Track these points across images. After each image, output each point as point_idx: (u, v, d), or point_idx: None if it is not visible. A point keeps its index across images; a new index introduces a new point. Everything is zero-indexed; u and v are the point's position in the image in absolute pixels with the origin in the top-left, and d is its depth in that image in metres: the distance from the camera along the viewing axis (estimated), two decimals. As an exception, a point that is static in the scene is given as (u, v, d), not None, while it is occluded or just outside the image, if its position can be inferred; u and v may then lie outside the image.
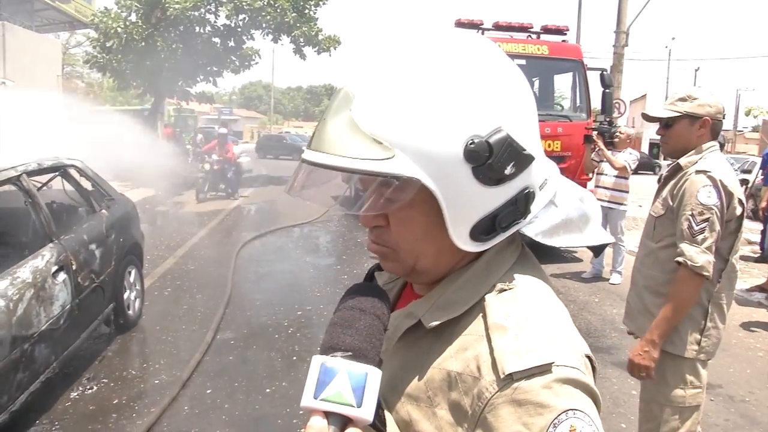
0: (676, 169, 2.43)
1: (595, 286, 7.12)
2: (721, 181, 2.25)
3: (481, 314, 0.76)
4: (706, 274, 2.21)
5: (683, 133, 2.40)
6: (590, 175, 8.18)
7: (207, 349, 4.77)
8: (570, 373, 0.69)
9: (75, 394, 4.01)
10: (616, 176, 6.99)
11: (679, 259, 2.25)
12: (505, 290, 0.78)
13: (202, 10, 17.88)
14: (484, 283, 0.79)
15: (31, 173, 4.13)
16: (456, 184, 0.72)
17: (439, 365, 0.76)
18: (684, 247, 2.24)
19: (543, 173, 0.82)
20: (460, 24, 8.46)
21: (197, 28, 18.25)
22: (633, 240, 9.37)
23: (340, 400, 0.64)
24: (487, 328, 0.74)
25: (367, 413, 0.65)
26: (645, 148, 41.99)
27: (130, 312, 5.20)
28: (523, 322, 0.73)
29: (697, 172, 2.29)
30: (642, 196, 15.00)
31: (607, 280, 7.27)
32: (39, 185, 4.57)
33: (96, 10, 17.71)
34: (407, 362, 0.81)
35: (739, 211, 2.29)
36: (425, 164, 0.70)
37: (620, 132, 7.31)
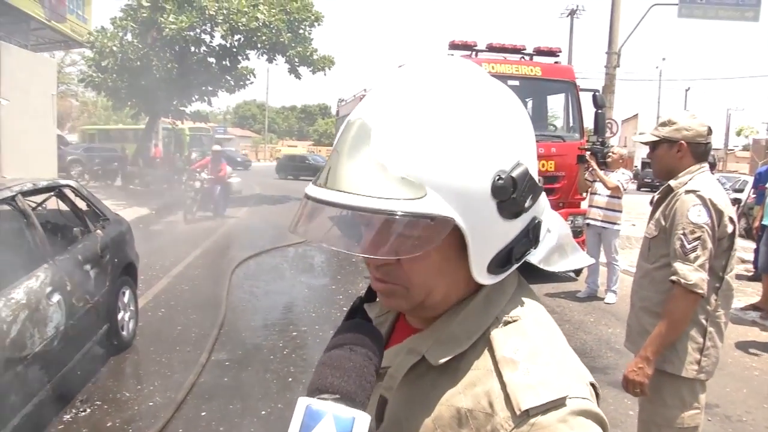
0: (668, 191, 2.48)
1: (590, 306, 7.13)
2: (710, 200, 2.29)
3: (486, 348, 0.75)
4: (700, 291, 2.24)
5: (664, 156, 2.49)
6: (584, 194, 8.23)
7: (201, 371, 4.73)
8: (582, 405, 0.69)
9: (68, 416, 3.96)
10: (609, 196, 7.04)
11: (673, 277, 2.28)
12: (510, 322, 0.77)
13: (198, 30, 17.99)
14: (486, 315, 0.78)
15: (26, 193, 4.13)
16: (481, 219, 0.71)
17: (447, 402, 0.75)
18: (677, 265, 2.28)
19: (544, 201, 0.82)
20: (454, 46, 8.55)
21: (192, 48, 18.35)
22: (627, 259, 9.42)
23: None
24: (496, 363, 0.73)
25: None
26: (638, 167, 42.27)
27: (124, 333, 5.16)
28: (533, 355, 0.72)
29: (687, 192, 2.35)
30: (635, 215, 15.08)
31: (602, 299, 7.28)
32: (34, 205, 4.56)
33: (92, 30, 17.78)
34: (411, 399, 0.79)
35: (730, 228, 2.33)
36: (455, 202, 0.69)
37: (613, 152, 7.38)
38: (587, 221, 7.41)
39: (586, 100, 8.71)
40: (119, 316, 5.05)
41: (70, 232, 4.80)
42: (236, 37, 18.51)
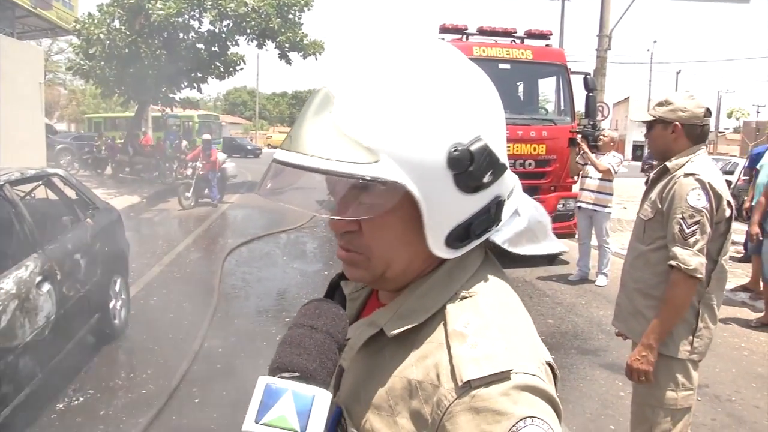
0: (663, 172, 2.46)
1: (582, 288, 7.17)
2: (709, 183, 2.28)
3: (442, 322, 0.76)
4: (699, 276, 2.24)
5: (658, 136, 2.48)
6: (575, 178, 8.24)
7: (194, 358, 4.73)
8: (528, 380, 0.68)
9: (61, 405, 3.95)
10: (601, 179, 7.06)
11: (672, 262, 2.27)
12: (466, 297, 0.77)
13: (186, 16, 17.78)
14: (446, 290, 0.79)
15: (14, 182, 4.09)
16: (437, 190, 0.72)
17: (400, 374, 0.75)
18: (676, 250, 2.26)
19: (510, 183, 0.82)
20: (444, 29, 8.50)
21: (181, 35, 18.16)
22: (618, 242, 9.46)
23: (282, 425, 0.62)
24: (446, 336, 0.73)
25: None
26: (629, 151, 42.43)
27: (116, 321, 5.15)
28: (482, 329, 0.72)
29: (686, 175, 2.33)
30: (626, 198, 15.15)
31: (594, 282, 7.32)
32: (22, 194, 4.53)
33: (78, 16, 17.54)
34: (370, 371, 0.79)
35: (728, 213, 2.33)
36: (409, 170, 0.70)
37: (604, 135, 7.38)
38: (578, 204, 7.43)
39: (577, 83, 8.71)
40: (111, 305, 5.04)
41: (59, 222, 4.77)
42: (225, 22, 18.31)
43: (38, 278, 3.75)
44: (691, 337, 2.34)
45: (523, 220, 0.84)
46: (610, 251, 7.45)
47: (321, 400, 0.64)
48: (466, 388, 0.68)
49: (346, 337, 0.75)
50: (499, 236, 0.81)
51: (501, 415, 0.65)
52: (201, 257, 8.60)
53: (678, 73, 53.18)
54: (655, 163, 2.57)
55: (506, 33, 8.73)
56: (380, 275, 0.80)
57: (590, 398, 4.22)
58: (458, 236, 0.76)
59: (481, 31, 8.63)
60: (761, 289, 6.53)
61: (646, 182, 2.61)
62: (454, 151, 0.71)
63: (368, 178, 0.69)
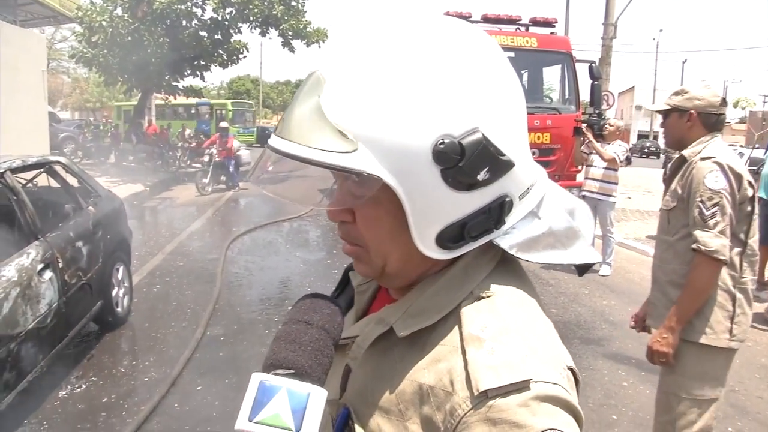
0: (681, 161, 2.44)
1: (585, 278, 7.12)
2: (728, 164, 2.27)
3: (456, 324, 0.71)
4: (722, 258, 2.22)
5: (674, 125, 2.46)
6: (580, 167, 8.20)
7: (197, 346, 4.73)
8: (549, 390, 0.64)
9: (64, 393, 3.97)
10: (606, 168, 7.01)
11: (694, 245, 2.25)
12: (483, 298, 0.72)
13: (189, 4, 17.67)
14: (460, 289, 0.73)
15: (15, 170, 4.08)
16: (421, 185, 0.67)
17: (411, 377, 0.71)
18: (697, 233, 2.25)
19: (526, 181, 0.75)
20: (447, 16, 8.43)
21: (184, 22, 18.06)
22: (622, 232, 9.43)
23: (276, 423, 0.60)
24: (462, 340, 0.69)
25: None
26: (633, 140, 42.25)
27: (119, 309, 5.15)
28: (501, 334, 0.67)
29: (702, 159, 2.32)
30: (631, 188, 15.11)
31: (597, 271, 7.30)
32: (24, 182, 4.52)
33: (81, 4, 17.48)
34: (378, 372, 0.75)
35: (750, 192, 2.31)
36: (389, 161, 0.65)
37: (609, 124, 7.33)
38: (583, 193, 7.38)
39: (582, 72, 8.64)
40: (113, 293, 5.04)
41: (61, 209, 4.76)
42: (228, 10, 18.21)
43: (40, 266, 3.75)
44: (729, 324, 2.31)
45: (542, 223, 0.77)
46: (614, 241, 7.42)
47: (316, 398, 0.62)
48: (482, 397, 0.63)
49: (341, 334, 0.72)
50: (507, 240, 0.74)
51: (520, 427, 0.61)
52: (204, 245, 8.60)
53: (684, 62, 52.95)
54: (675, 155, 2.54)
55: (511, 20, 8.67)
56: (381, 270, 0.76)
57: (593, 388, 4.21)
58: (451, 236, 0.71)
59: (486, 19, 8.57)
60: (766, 279, 6.49)
61: (665, 174, 2.61)
62: (440, 143, 0.65)
63: (341, 168, 0.65)
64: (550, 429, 0.61)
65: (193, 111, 32.29)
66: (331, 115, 0.66)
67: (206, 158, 14.84)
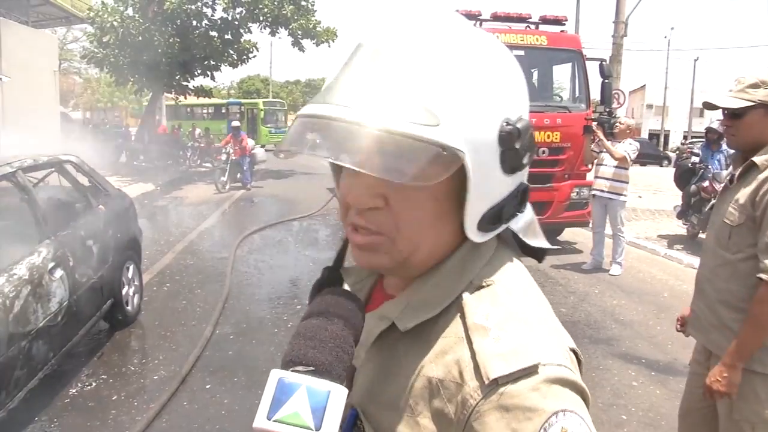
0: (750, 168, 2.14)
1: (595, 277, 7.11)
2: None
3: (459, 314, 0.72)
4: None
5: (756, 124, 2.13)
6: (590, 165, 8.14)
7: (206, 345, 4.75)
8: (557, 372, 0.65)
9: (74, 390, 3.99)
10: (616, 167, 6.96)
11: (763, 276, 2.00)
12: (483, 287, 0.73)
13: (199, 4, 17.78)
14: (460, 279, 0.74)
15: (26, 169, 4.11)
16: (485, 166, 0.69)
17: (419, 372, 0.71)
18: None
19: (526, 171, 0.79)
20: (457, 15, 8.39)
21: (194, 22, 18.18)
22: (633, 231, 9.37)
23: (296, 422, 0.59)
24: (466, 330, 0.69)
25: None
26: (644, 139, 41.92)
27: (129, 308, 5.18)
28: (504, 321, 0.69)
29: None
30: (642, 187, 15.00)
31: (608, 271, 7.25)
32: (35, 181, 4.55)
33: (92, 5, 17.60)
34: (384, 368, 0.75)
35: None
36: (465, 140, 0.66)
37: (620, 122, 7.28)
38: (593, 192, 7.35)
39: (592, 70, 8.57)
40: (124, 291, 5.07)
41: (71, 208, 4.80)
42: (238, 9, 18.31)
43: (51, 264, 3.77)
44: None
45: (529, 211, 0.82)
46: (625, 240, 7.37)
47: (337, 396, 0.60)
48: (492, 386, 0.64)
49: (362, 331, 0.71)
50: (515, 224, 0.79)
51: (532, 411, 0.63)
52: (214, 244, 8.63)
53: (696, 60, 52.47)
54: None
55: (521, 18, 8.61)
56: (403, 260, 0.74)
57: (602, 388, 4.18)
58: (490, 219, 0.73)
59: (495, 17, 8.52)
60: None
61: (730, 180, 2.29)
62: (506, 125, 0.69)
63: (430, 141, 0.64)
64: (562, 410, 0.63)
65: (223, 111, 32.20)
66: (410, 91, 0.66)
67: (223, 157, 15.16)
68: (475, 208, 0.71)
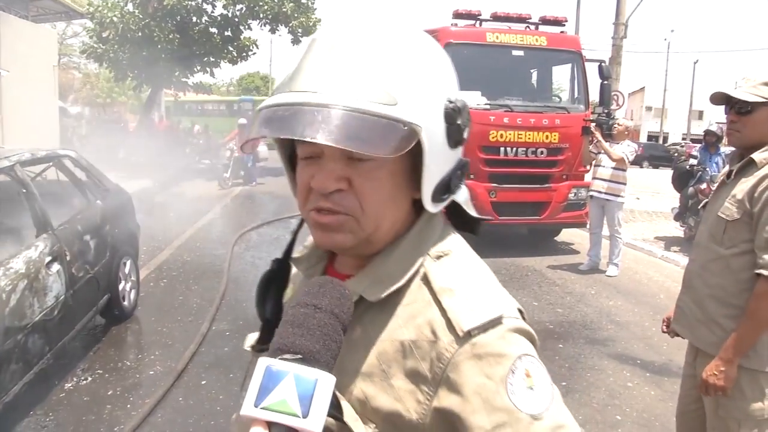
0: (748, 164, 2.15)
1: (592, 278, 7.12)
2: None
3: (422, 281, 0.79)
4: None
5: (764, 122, 2.12)
6: (588, 167, 8.16)
7: (202, 341, 4.75)
8: (516, 323, 0.76)
9: (69, 385, 3.99)
10: (614, 168, 6.98)
11: (762, 271, 2.01)
12: (442, 256, 0.82)
13: (199, 0, 17.75)
14: (419, 251, 0.82)
15: (24, 163, 4.10)
16: (435, 140, 0.76)
17: (389, 337, 0.77)
18: (767, 257, 2.01)
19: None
20: (457, 15, 8.40)
21: (194, 18, 18.12)
22: (630, 232, 9.39)
23: (283, 409, 0.59)
24: (434, 293, 0.77)
25: (314, 425, 0.59)
26: (644, 141, 41.96)
27: (125, 303, 5.18)
28: (467, 283, 0.78)
29: None
30: (640, 188, 15.02)
31: (604, 272, 7.27)
32: (33, 175, 4.54)
33: (92, 0, 17.55)
34: (352, 341, 0.78)
35: None
36: (420, 117, 0.73)
37: (618, 124, 7.30)
38: (591, 193, 7.36)
39: (592, 71, 8.59)
40: (120, 287, 5.06)
41: (69, 203, 4.80)
42: (238, 6, 18.26)
43: (48, 258, 3.77)
44: None
45: (465, 189, 0.89)
46: (622, 241, 7.38)
47: (324, 383, 0.61)
48: (466, 337, 0.73)
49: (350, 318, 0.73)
50: (460, 198, 0.87)
51: (501, 356, 0.72)
52: (211, 241, 8.63)
53: (695, 63, 52.57)
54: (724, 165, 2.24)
55: (520, 19, 8.62)
56: (366, 237, 0.79)
57: (597, 388, 4.20)
58: (441, 190, 0.81)
59: (495, 17, 8.53)
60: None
61: (728, 176, 2.28)
62: (450, 102, 0.78)
63: (395, 117, 0.71)
64: (524, 354, 0.74)
65: (235, 108, 32.13)
66: (372, 75, 0.73)
67: (227, 153, 15.29)
68: (430, 181, 0.78)
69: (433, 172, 0.77)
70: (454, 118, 0.77)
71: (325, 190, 0.76)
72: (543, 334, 5.22)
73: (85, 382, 4.05)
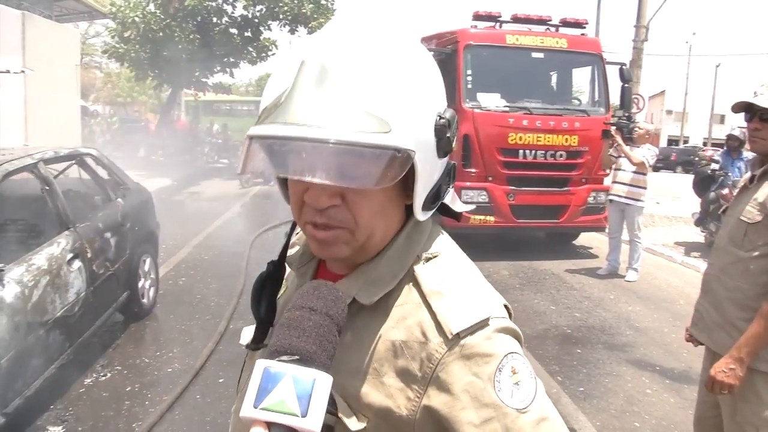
0: None
1: (611, 283, 7.05)
2: None
3: (412, 284, 0.82)
4: None
5: None
6: (607, 170, 8.08)
7: (220, 339, 4.78)
8: (502, 323, 0.80)
9: (89, 380, 4.04)
10: (634, 172, 6.89)
11: None
12: (431, 259, 0.84)
13: (220, 1, 17.90)
14: (408, 254, 0.84)
15: (47, 161, 4.16)
16: (427, 156, 0.78)
17: (381, 338, 0.80)
18: None
19: None
20: (478, 16, 8.38)
21: (214, 19, 18.30)
22: (650, 237, 9.28)
23: (282, 409, 0.60)
24: (424, 296, 0.80)
25: (312, 424, 0.60)
26: (663, 144, 41.50)
27: (145, 300, 5.23)
28: (456, 285, 0.81)
29: None
30: (660, 192, 14.84)
31: (623, 277, 7.19)
32: (56, 173, 4.60)
33: (114, 0, 17.78)
34: (346, 341, 0.80)
35: None
36: (412, 139, 0.75)
37: (639, 127, 7.21)
38: (610, 197, 7.28)
39: (612, 74, 8.51)
40: (140, 284, 5.11)
41: (91, 200, 4.85)
42: (258, 7, 18.41)
43: (69, 255, 3.82)
44: None
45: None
46: (642, 246, 7.29)
47: (321, 383, 0.62)
48: (455, 339, 0.76)
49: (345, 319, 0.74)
50: (446, 199, 0.90)
51: (489, 356, 0.76)
52: (229, 240, 8.67)
53: (717, 66, 51.84)
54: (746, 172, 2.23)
55: (541, 21, 8.57)
56: (361, 247, 0.82)
57: (615, 394, 4.15)
58: (431, 198, 0.84)
59: (515, 19, 8.49)
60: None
61: (751, 180, 2.28)
62: (440, 119, 0.80)
63: (389, 146, 0.72)
64: (510, 352, 0.77)
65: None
66: (360, 102, 0.73)
67: None
68: (422, 194, 0.81)
69: (424, 187, 0.80)
70: (444, 133, 0.80)
71: (318, 206, 0.78)
72: (560, 338, 5.18)
73: (104, 378, 4.09)
